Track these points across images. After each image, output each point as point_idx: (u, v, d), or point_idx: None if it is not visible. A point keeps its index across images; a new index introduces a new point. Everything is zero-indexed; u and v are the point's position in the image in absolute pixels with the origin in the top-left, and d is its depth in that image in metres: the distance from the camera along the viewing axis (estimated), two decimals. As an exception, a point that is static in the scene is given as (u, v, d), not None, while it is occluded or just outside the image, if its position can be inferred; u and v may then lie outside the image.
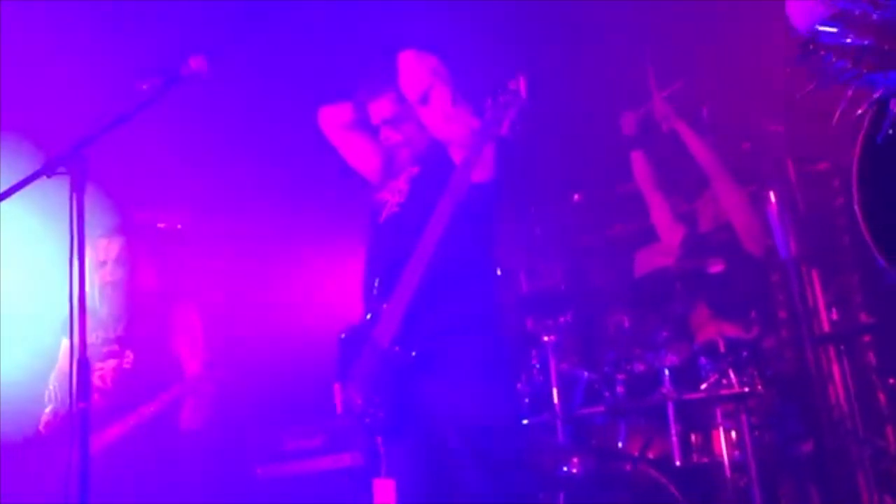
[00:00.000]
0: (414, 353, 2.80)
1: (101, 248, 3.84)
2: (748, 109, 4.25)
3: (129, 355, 3.81)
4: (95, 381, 3.69)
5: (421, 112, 2.99)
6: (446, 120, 2.95)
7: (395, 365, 2.83)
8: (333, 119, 3.31)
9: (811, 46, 1.74)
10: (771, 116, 4.11)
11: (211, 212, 4.97)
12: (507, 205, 3.22)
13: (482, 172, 2.94)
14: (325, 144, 3.38)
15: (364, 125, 3.25)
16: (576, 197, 5.35)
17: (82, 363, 2.33)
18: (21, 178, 2.43)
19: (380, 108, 3.14)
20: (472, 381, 2.84)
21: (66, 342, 3.75)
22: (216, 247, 5.08)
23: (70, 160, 2.43)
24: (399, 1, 3.92)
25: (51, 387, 3.75)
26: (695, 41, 4.22)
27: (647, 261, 4.57)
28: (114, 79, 3.56)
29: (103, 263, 3.83)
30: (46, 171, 2.43)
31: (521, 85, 2.80)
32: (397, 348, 2.82)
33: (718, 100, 4.35)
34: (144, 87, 2.62)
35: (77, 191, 2.42)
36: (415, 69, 2.96)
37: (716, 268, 3.64)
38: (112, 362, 3.78)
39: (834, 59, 1.72)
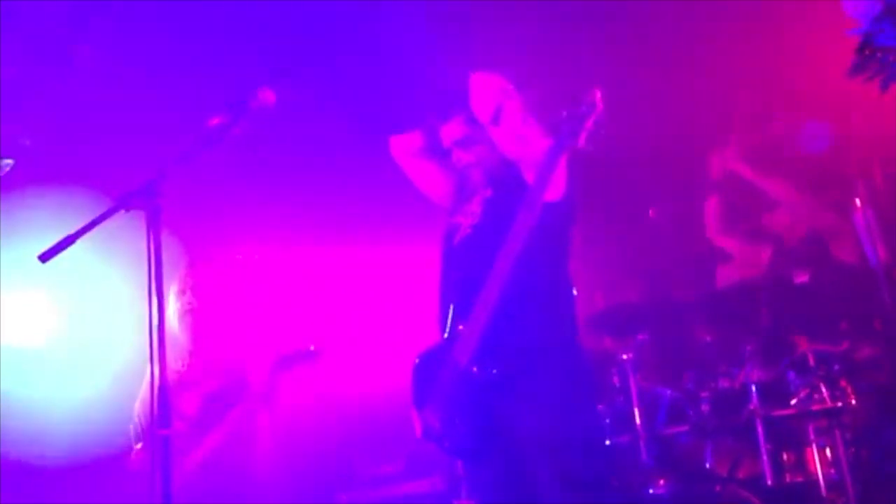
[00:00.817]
0: (494, 372, 2.76)
1: (180, 279, 3.95)
2: (830, 113, 4.11)
3: (211, 381, 3.90)
4: (181, 407, 3.78)
5: (492, 132, 2.98)
6: (518, 139, 2.94)
7: (475, 386, 2.80)
8: (404, 147, 3.34)
9: (867, 51, 1.70)
10: (854, 119, 3.97)
11: (287, 243, 5.05)
12: (580, 222, 3.17)
13: (554, 191, 2.91)
14: (398, 175, 3.40)
15: (434, 151, 3.26)
16: (651, 212, 5.26)
17: (162, 391, 2.36)
18: (98, 213, 2.49)
19: (451, 131, 3.15)
20: (553, 399, 2.79)
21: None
22: (293, 275, 5.16)
23: (145, 195, 2.49)
24: (467, 23, 3.94)
25: (136, 420, 3.84)
26: (772, 42, 4.12)
27: (729, 273, 4.45)
28: (185, 114, 3.65)
29: (182, 293, 3.94)
30: (123, 205, 2.49)
31: (598, 97, 2.78)
32: (475, 369, 2.79)
33: (796, 105, 4.22)
34: (215, 121, 2.67)
35: (153, 224, 2.47)
36: (485, 90, 2.97)
37: (802, 278, 3.52)
38: (195, 389, 3.87)
39: (892, 59, 1.68)
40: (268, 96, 2.73)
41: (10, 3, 3.55)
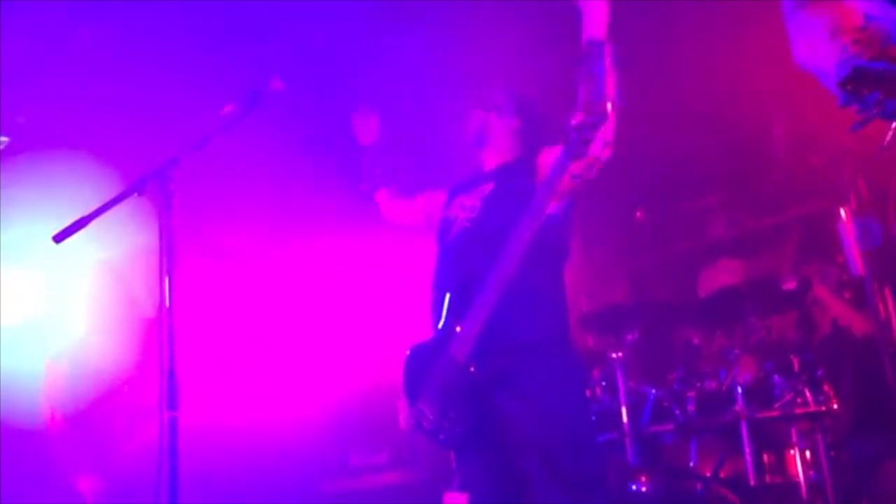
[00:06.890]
0: (491, 371, 2.80)
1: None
2: (822, 124, 4.19)
3: None
4: None
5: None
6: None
7: (471, 384, 2.83)
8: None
9: (849, 86, 1.76)
10: (843, 132, 4.04)
11: (279, 231, 5.05)
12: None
13: (555, 205, 2.92)
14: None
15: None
16: (638, 213, 5.32)
17: (171, 374, 2.38)
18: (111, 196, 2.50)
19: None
20: (548, 397, 2.82)
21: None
22: (284, 264, 5.16)
23: (158, 180, 2.50)
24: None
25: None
26: (766, 54, 4.17)
27: (713, 279, 4.53)
28: (198, 101, 3.64)
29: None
30: (136, 189, 2.50)
31: (608, 106, 2.78)
32: (472, 368, 2.82)
33: (792, 114, 4.29)
34: (228, 109, 2.68)
35: (164, 209, 2.49)
36: None
37: (789, 285, 3.60)
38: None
39: (867, 92, 1.75)
40: (277, 84, 2.75)
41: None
